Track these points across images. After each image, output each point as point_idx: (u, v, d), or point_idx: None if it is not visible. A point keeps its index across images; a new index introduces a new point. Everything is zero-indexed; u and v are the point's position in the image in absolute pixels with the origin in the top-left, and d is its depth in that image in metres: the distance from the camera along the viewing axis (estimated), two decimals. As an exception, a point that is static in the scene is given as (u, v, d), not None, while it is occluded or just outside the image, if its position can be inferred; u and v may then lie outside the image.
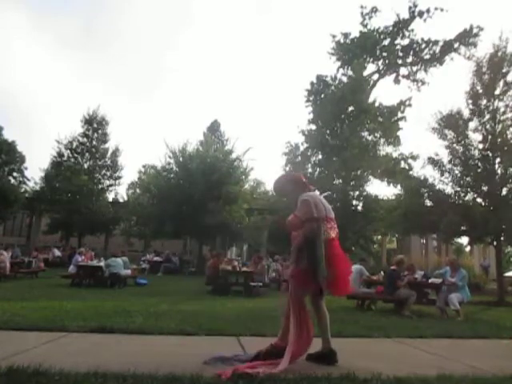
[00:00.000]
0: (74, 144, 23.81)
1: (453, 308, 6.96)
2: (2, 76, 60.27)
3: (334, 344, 3.21)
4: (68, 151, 23.74)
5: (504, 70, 11.89)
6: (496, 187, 11.46)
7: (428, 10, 22.30)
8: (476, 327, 5.68)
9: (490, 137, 11.77)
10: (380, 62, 23.50)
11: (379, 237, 25.08)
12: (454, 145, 12.06)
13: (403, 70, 23.91)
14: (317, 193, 3.46)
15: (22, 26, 70.28)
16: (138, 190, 27.42)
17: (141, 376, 2.49)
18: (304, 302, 3.20)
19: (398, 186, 16.52)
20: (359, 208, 18.94)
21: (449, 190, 12.40)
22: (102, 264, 11.06)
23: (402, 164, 19.42)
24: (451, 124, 12.05)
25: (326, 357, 3.16)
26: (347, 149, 17.27)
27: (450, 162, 12.07)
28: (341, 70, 22.64)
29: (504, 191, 11.52)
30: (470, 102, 12.14)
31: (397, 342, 4.39)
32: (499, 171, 11.68)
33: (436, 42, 22.61)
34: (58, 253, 19.35)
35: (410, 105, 19.94)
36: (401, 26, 22.74)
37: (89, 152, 24.05)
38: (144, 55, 76.92)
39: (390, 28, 22.87)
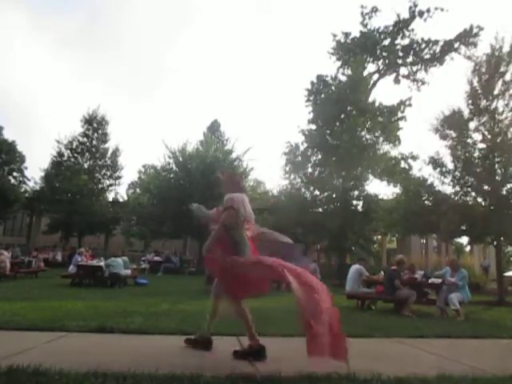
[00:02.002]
0: (74, 144, 23.80)
1: (453, 308, 6.96)
2: (2, 76, 60.29)
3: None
4: (68, 151, 23.73)
5: (502, 70, 11.90)
6: (496, 187, 11.46)
7: (428, 10, 22.30)
8: (476, 327, 5.67)
9: (489, 136, 11.79)
10: (380, 62, 23.51)
11: (379, 237, 25.09)
12: (455, 144, 12.07)
13: (403, 70, 23.92)
14: (244, 195, 3.56)
15: (22, 26, 70.27)
16: (138, 190, 27.44)
17: (141, 376, 2.49)
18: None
19: (398, 186, 16.56)
20: (359, 208, 18.94)
21: (449, 190, 12.44)
22: (102, 264, 11.06)
23: (402, 164, 19.44)
24: (453, 124, 12.07)
25: (255, 353, 3.21)
26: (346, 148, 17.27)
27: (452, 161, 12.09)
28: (341, 70, 22.67)
29: (504, 191, 11.53)
30: (469, 102, 12.16)
31: (397, 341, 4.39)
32: (499, 171, 11.69)
33: (436, 42, 22.61)
34: (59, 256, 19.34)
35: (410, 105, 19.93)
36: (401, 25, 22.73)
37: (89, 152, 24.04)
38: (144, 55, 76.94)
39: (390, 28, 22.87)
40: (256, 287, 3.49)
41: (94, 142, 24.24)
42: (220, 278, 3.40)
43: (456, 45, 22.18)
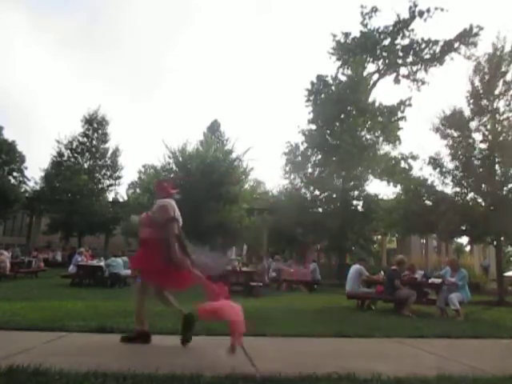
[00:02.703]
0: (74, 144, 23.81)
1: (453, 308, 6.95)
2: (2, 76, 60.27)
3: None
4: (68, 151, 23.73)
5: (503, 70, 11.90)
6: (496, 187, 11.46)
7: (428, 10, 22.33)
8: (476, 327, 5.67)
9: (490, 136, 11.78)
10: (380, 62, 23.52)
11: (379, 237, 25.09)
12: (456, 144, 12.06)
13: (403, 70, 23.94)
14: (172, 201, 3.90)
15: (22, 26, 70.26)
16: (138, 190, 27.39)
17: (141, 376, 2.49)
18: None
19: (398, 186, 16.55)
20: (359, 208, 18.94)
21: (449, 190, 12.43)
22: (102, 264, 11.06)
23: (402, 164, 19.45)
24: (454, 123, 12.06)
25: (142, 337, 3.70)
26: (346, 148, 17.28)
27: (451, 160, 12.08)
28: (341, 70, 22.68)
29: (504, 191, 11.51)
30: (470, 101, 12.15)
31: (397, 341, 4.39)
32: (499, 171, 11.69)
33: (436, 42, 22.62)
34: (59, 256, 19.36)
35: (410, 104, 19.97)
36: (401, 25, 22.74)
37: (89, 152, 24.05)
38: (144, 55, 76.94)
39: (390, 28, 22.88)
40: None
41: (94, 142, 24.24)
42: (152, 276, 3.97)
43: (456, 45, 22.20)
